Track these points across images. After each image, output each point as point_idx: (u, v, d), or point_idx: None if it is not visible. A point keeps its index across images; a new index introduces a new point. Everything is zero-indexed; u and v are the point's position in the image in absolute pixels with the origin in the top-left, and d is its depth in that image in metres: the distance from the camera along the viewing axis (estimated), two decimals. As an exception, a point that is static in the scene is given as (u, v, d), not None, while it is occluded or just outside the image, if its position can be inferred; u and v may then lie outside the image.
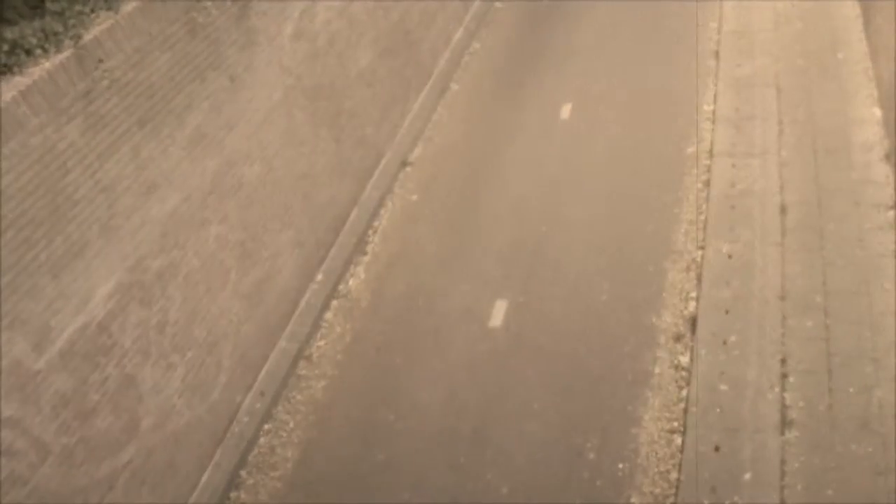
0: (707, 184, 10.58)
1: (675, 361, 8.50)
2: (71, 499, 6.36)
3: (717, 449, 7.50)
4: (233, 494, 8.10)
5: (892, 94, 10.14)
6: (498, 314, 9.41)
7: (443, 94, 13.54)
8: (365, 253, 10.68)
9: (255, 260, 8.79)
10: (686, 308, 9.03)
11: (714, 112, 11.86)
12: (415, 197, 11.51)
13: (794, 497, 7.00)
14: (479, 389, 8.62)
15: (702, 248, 9.66)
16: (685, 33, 14.00)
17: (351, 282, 10.28)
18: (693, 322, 8.80)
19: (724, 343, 8.43)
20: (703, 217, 10.09)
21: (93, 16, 6.60)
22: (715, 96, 12.18)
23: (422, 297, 9.86)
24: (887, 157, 10.14)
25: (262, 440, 8.57)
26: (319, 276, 10.06)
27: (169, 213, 7.39)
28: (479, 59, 14.45)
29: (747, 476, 7.25)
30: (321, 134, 10.02)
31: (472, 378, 8.74)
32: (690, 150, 11.33)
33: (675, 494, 7.32)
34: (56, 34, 6.26)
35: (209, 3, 7.74)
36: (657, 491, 7.42)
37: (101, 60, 6.45)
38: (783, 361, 8.12)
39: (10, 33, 6.11)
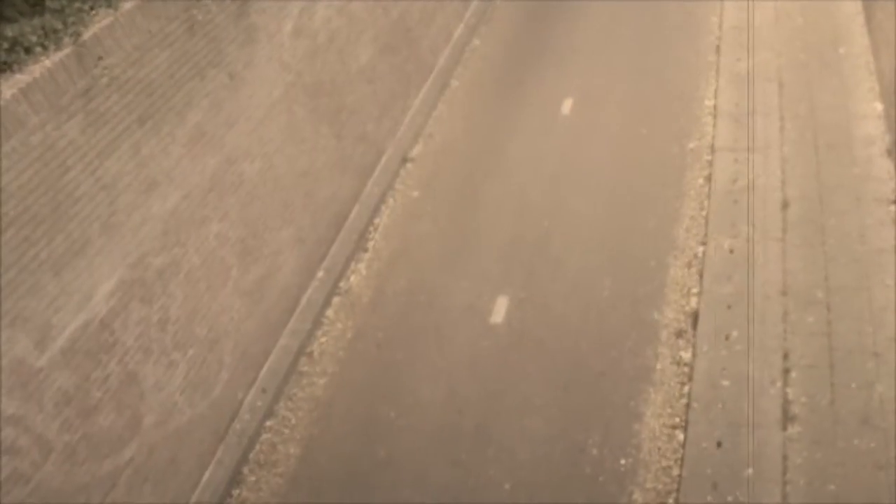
0: (708, 179, 10.57)
1: (677, 357, 8.49)
2: (73, 496, 6.36)
3: (719, 444, 7.50)
4: (235, 491, 8.11)
5: (894, 89, 10.12)
6: (499, 310, 9.41)
7: (443, 91, 13.52)
8: (366, 250, 10.68)
9: (256, 257, 8.79)
10: (688, 304, 9.02)
11: (715, 107, 11.85)
12: (416, 193, 11.49)
13: (797, 492, 7.00)
14: (481, 386, 8.61)
15: (703, 243, 9.65)
16: (686, 28, 13.98)
17: (352, 278, 10.28)
18: (695, 317, 8.79)
19: (726, 338, 8.43)
20: (704, 212, 10.08)
21: (92, 13, 6.60)
22: (716, 91, 12.17)
23: (423, 294, 9.85)
24: (888, 152, 10.13)
25: (263, 437, 8.57)
26: (320, 273, 10.06)
27: (170, 211, 7.39)
28: (480, 55, 14.43)
29: (749, 471, 7.24)
30: (322, 131, 10.01)
31: (474, 374, 8.74)
32: (692, 145, 11.32)
33: (678, 490, 7.31)
34: (56, 32, 6.26)
35: (209, 1, 7.73)
36: (659, 486, 7.42)
37: (100, 58, 6.45)
38: (785, 357, 8.11)
39: (10, 31, 6.10)
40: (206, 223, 7.92)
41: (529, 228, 10.45)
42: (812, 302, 8.59)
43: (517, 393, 8.45)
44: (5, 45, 5.96)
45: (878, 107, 10.94)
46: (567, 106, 12.63)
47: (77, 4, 6.56)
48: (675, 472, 7.48)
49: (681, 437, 7.73)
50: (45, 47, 6.15)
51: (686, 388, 8.13)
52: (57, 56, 6.13)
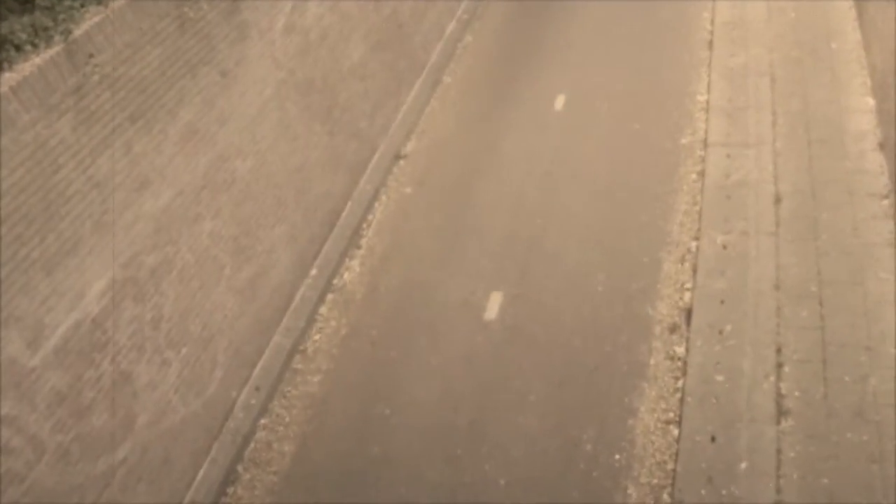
0: (701, 174, 10.58)
1: (671, 352, 8.51)
2: (67, 496, 6.34)
3: (713, 439, 7.52)
4: (229, 490, 8.09)
5: (885, 84, 10.15)
6: (493, 307, 9.41)
7: (436, 87, 13.50)
8: (359, 247, 10.66)
9: (249, 255, 8.76)
10: (681, 299, 9.03)
11: (708, 102, 11.86)
12: (409, 190, 11.48)
13: (790, 486, 7.03)
14: (475, 382, 8.62)
15: (697, 238, 9.67)
16: (679, 24, 14.00)
17: (346, 276, 10.27)
18: (688, 313, 8.81)
19: (720, 333, 8.44)
20: (697, 208, 10.09)
21: (82, 10, 6.56)
22: (709, 86, 12.18)
23: (417, 291, 9.85)
24: (881, 146, 10.16)
25: (258, 435, 8.55)
26: (314, 271, 10.04)
27: (162, 209, 7.37)
28: (472, 51, 14.42)
29: (743, 465, 7.26)
30: (314, 128, 9.99)
31: (468, 371, 8.74)
32: (685, 140, 11.33)
33: (672, 485, 7.33)
34: (46, 29, 6.22)
35: (200, -2, 7.71)
36: (654, 481, 7.44)
37: (91, 55, 6.42)
38: (778, 351, 8.13)
39: (0, 29, 6.06)
40: (198, 221, 7.90)
41: (523, 224, 10.45)
42: (805, 296, 8.61)
43: (511, 389, 8.46)
44: (-5, 43, 5.93)
45: (870, 101, 10.97)
46: (560, 102, 12.63)
47: (67, 2, 6.52)
48: (670, 466, 7.50)
49: (675, 431, 7.75)
50: (35, 45, 6.12)
51: (680, 383, 8.14)
52: (47, 54, 6.09)
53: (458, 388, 8.59)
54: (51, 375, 6.17)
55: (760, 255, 9.19)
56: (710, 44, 13.16)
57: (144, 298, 7.18)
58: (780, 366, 7.99)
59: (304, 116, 9.76)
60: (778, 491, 7.02)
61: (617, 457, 7.69)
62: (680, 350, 8.48)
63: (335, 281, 10.17)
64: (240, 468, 8.26)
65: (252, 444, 8.47)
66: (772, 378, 7.90)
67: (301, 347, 9.38)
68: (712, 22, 13.72)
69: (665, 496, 7.30)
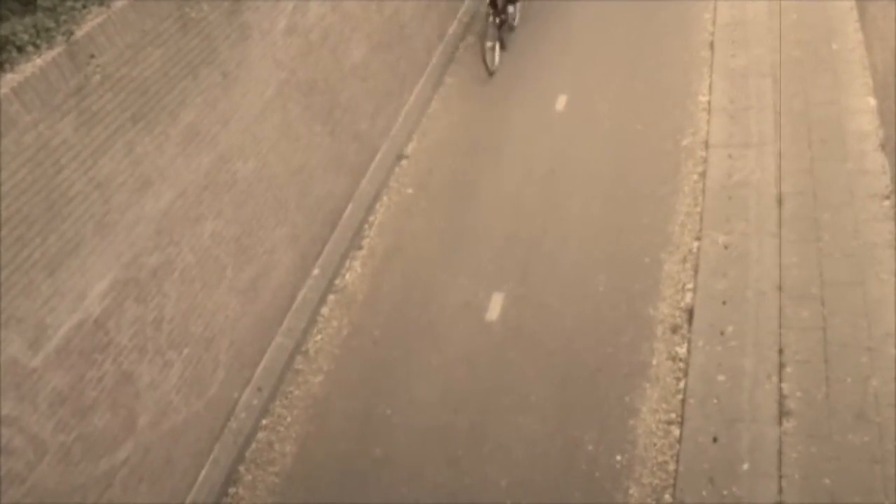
0: (703, 175, 10.58)
1: (673, 352, 8.51)
2: (69, 497, 6.35)
3: (715, 440, 7.52)
4: (231, 490, 8.11)
5: (887, 84, 10.14)
6: (495, 307, 9.41)
7: (437, 88, 13.51)
8: (361, 247, 10.67)
9: (251, 255, 8.77)
10: (683, 299, 9.04)
11: (709, 103, 11.86)
12: (410, 191, 11.49)
13: (792, 486, 7.03)
14: (477, 383, 8.62)
15: (698, 239, 9.67)
16: (680, 25, 13.99)
17: (347, 276, 10.28)
18: (690, 313, 8.81)
19: (722, 334, 8.45)
20: (699, 208, 10.09)
21: (84, 11, 6.56)
22: (710, 87, 12.18)
23: (418, 291, 9.85)
24: (882, 146, 10.15)
25: (259, 436, 8.56)
26: (316, 271, 10.05)
27: (164, 210, 7.37)
28: (474, 52, 14.40)
29: (745, 466, 7.27)
30: (316, 129, 9.99)
31: (470, 372, 8.75)
32: (686, 141, 11.33)
33: (674, 485, 7.33)
34: (48, 30, 6.22)
35: (202, -2, 7.71)
36: (656, 482, 7.44)
37: (93, 56, 6.42)
38: (780, 352, 8.13)
39: (1, 30, 6.07)
40: (200, 222, 7.90)
41: (524, 225, 10.45)
42: (806, 297, 8.61)
43: (513, 390, 8.46)
44: (-3, 44, 5.93)
45: (872, 102, 10.96)
46: (561, 102, 12.63)
47: (69, 3, 6.52)
48: (672, 467, 7.50)
49: (676, 432, 7.75)
50: (37, 46, 6.12)
51: (682, 384, 8.14)
52: (49, 55, 6.09)
53: (459, 388, 8.60)
54: (52, 376, 6.18)
55: (762, 256, 9.19)
56: (712, 44, 13.15)
57: (146, 299, 7.18)
58: (781, 366, 7.99)
59: (305, 117, 9.77)
60: (779, 491, 7.02)
61: (618, 457, 7.69)
62: (681, 350, 8.48)
63: (337, 281, 10.17)
64: (241, 468, 8.27)
65: (253, 445, 8.49)
66: (773, 378, 7.90)
67: (303, 348, 9.40)
68: (713, 22, 13.71)
69: (667, 496, 7.31)
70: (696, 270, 9.26)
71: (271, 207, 9.11)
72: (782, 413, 7.58)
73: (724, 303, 8.76)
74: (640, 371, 8.39)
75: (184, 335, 7.70)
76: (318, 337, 9.53)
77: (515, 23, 14.42)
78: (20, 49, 6.02)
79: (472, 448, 7.99)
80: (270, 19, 8.96)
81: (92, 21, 6.50)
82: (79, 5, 6.55)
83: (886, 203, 9.41)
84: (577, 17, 14.84)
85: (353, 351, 9.30)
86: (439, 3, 14.10)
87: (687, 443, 7.56)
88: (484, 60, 13.27)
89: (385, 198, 11.42)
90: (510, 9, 14.07)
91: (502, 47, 13.79)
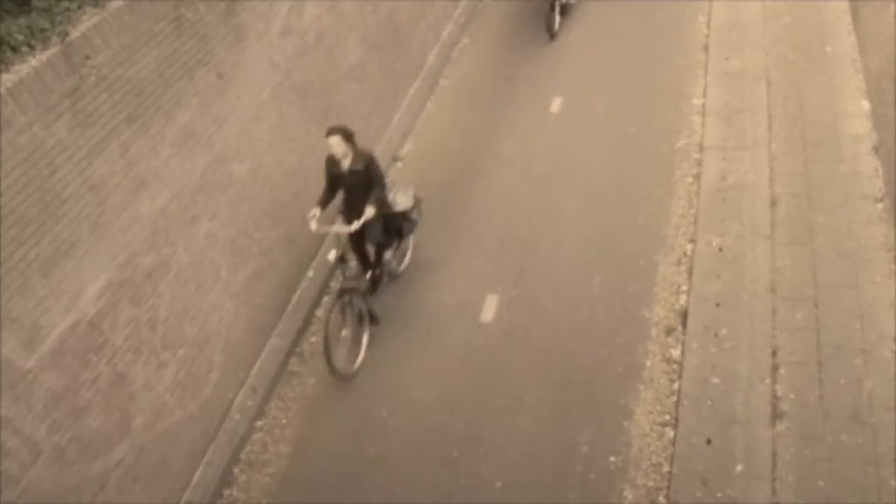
0: (697, 177, 10.61)
1: (667, 354, 8.53)
2: (64, 497, 6.33)
3: (708, 441, 7.53)
4: (226, 491, 8.09)
5: (880, 88, 10.19)
6: (489, 309, 9.42)
7: (433, 90, 13.52)
8: (356, 249, 10.65)
9: (246, 257, 8.76)
10: (677, 301, 9.05)
11: (704, 105, 11.90)
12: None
13: (786, 488, 7.04)
14: (472, 384, 8.62)
15: (693, 241, 9.69)
16: (674, 27, 14.04)
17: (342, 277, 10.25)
18: (684, 315, 8.83)
19: (716, 336, 8.47)
20: (693, 211, 10.12)
21: (79, 12, 6.55)
22: (705, 90, 12.22)
23: (413, 293, 9.85)
24: (875, 149, 10.19)
25: (254, 437, 8.55)
26: (310, 273, 10.05)
27: (159, 211, 7.36)
28: (469, 54, 14.44)
29: (739, 468, 7.28)
30: (311, 130, 9.99)
31: (465, 373, 8.75)
32: (680, 143, 11.36)
33: (668, 487, 7.34)
34: (43, 31, 6.21)
35: (197, 0, 7.70)
36: (650, 484, 7.45)
37: (88, 57, 6.41)
38: (774, 354, 8.16)
39: (-4, 30, 6.07)
40: (195, 223, 7.90)
41: (519, 227, 10.46)
42: (800, 299, 8.64)
43: (508, 391, 8.47)
44: (-8, 45, 5.92)
45: (865, 105, 11.00)
46: (556, 105, 12.66)
47: (64, 3, 6.51)
48: (666, 469, 7.51)
49: (671, 434, 7.76)
50: (31, 46, 6.11)
51: (676, 386, 8.16)
52: (44, 55, 6.08)
53: (454, 389, 8.60)
54: (47, 377, 6.16)
55: (756, 258, 9.22)
56: (706, 47, 13.20)
57: (141, 300, 7.17)
58: (775, 368, 8.01)
59: (301, 118, 9.77)
60: (773, 493, 7.03)
61: (613, 459, 7.70)
62: (676, 353, 8.50)
63: (332, 283, 10.16)
64: (236, 470, 8.26)
65: (248, 446, 8.47)
66: (767, 380, 7.92)
67: (298, 349, 9.39)
68: (708, 25, 13.76)
69: (661, 498, 7.32)
70: (690, 272, 9.28)
71: (266, 209, 9.11)
72: (776, 415, 7.60)
73: (718, 305, 8.78)
74: (635, 373, 8.41)
75: (178, 336, 7.69)
76: (313, 338, 9.52)
77: (398, 269, 10.03)
78: (15, 49, 6.01)
79: (468, 449, 8.00)
80: (266, 20, 8.96)
81: (87, 22, 6.50)
82: (74, 6, 6.54)
83: (880, 206, 9.44)
84: (572, 20, 14.87)
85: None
86: (435, 4, 14.11)
87: (681, 444, 7.57)
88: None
89: (380, 199, 11.40)
90: (386, 254, 9.53)
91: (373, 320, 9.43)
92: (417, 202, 9.53)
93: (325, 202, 8.81)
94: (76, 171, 6.38)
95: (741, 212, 9.85)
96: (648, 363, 8.48)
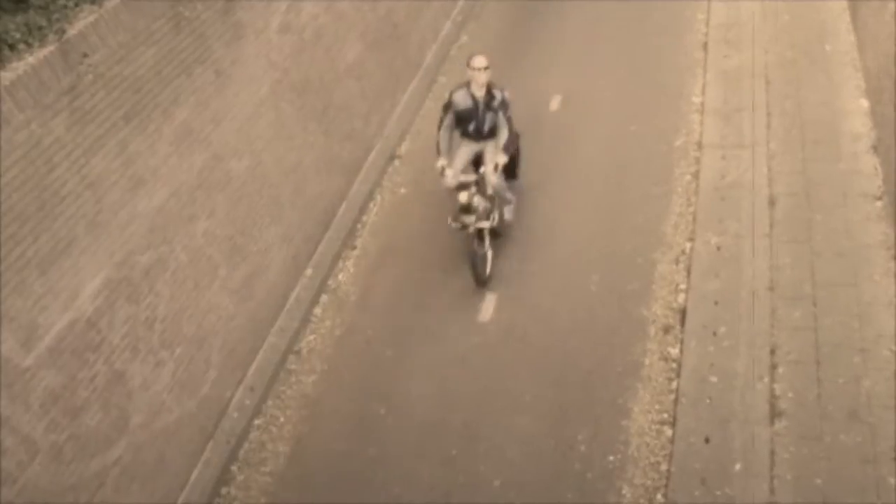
0: (696, 175, 10.60)
1: (665, 353, 8.52)
2: (61, 496, 6.33)
3: (707, 440, 7.53)
4: (223, 490, 8.08)
5: (879, 86, 10.18)
6: (488, 308, 9.41)
7: (431, 88, 13.51)
8: (354, 247, 10.66)
9: (244, 255, 8.75)
10: (675, 300, 9.05)
11: (703, 104, 11.88)
12: (403, 190, 11.48)
13: (784, 486, 7.04)
14: (470, 383, 8.62)
15: (691, 239, 9.68)
16: (673, 26, 14.02)
17: (340, 276, 10.26)
18: (682, 313, 8.82)
19: (714, 334, 8.46)
20: (692, 209, 10.11)
21: (76, 10, 6.54)
22: (703, 88, 12.21)
23: (412, 291, 9.84)
24: (874, 148, 10.19)
25: (252, 435, 8.54)
26: (309, 271, 10.04)
27: (156, 209, 7.35)
28: (468, 51, 14.36)
29: (737, 467, 7.28)
30: (309, 128, 9.98)
31: (463, 372, 8.74)
32: (679, 141, 11.35)
33: (666, 486, 7.34)
34: (40, 28, 6.20)
35: (195, -3, 7.69)
36: (648, 482, 7.45)
37: (85, 55, 6.40)
38: (772, 352, 8.15)
39: (-7, 28, 6.05)
40: (193, 221, 7.88)
41: (516, 225, 10.43)
42: (799, 298, 8.63)
43: (506, 390, 8.46)
44: (-11, 43, 5.91)
45: (864, 103, 11.00)
46: (555, 103, 12.64)
47: (61, 1, 6.50)
48: (664, 467, 7.51)
49: (669, 432, 7.76)
50: (29, 44, 6.10)
51: (674, 384, 8.16)
52: (41, 53, 6.08)
53: (452, 388, 8.59)
54: (44, 375, 6.15)
55: (754, 257, 9.21)
56: (705, 45, 13.19)
57: (139, 298, 7.16)
58: (773, 367, 8.01)
59: (299, 116, 9.76)
60: (771, 492, 7.03)
61: (611, 458, 7.69)
62: (674, 351, 8.50)
63: (330, 281, 10.16)
64: (234, 468, 8.25)
65: (246, 445, 8.46)
66: (766, 379, 7.92)
67: (295, 348, 9.38)
68: (707, 23, 13.74)
69: (659, 497, 7.31)
70: (688, 271, 9.27)
71: (265, 207, 9.10)
72: (774, 413, 7.60)
73: (716, 303, 8.77)
74: (633, 371, 8.40)
75: (176, 335, 7.68)
76: (311, 337, 9.52)
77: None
78: (12, 47, 6.00)
79: (466, 448, 7.99)
80: (264, 18, 8.95)
81: (84, 20, 6.49)
82: (71, 4, 6.53)
83: (878, 204, 9.44)
84: (571, 19, 14.86)
85: (346, 350, 9.29)
86: (433, 2, 14.09)
87: (679, 443, 7.57)
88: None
89: (378, 197, 11.41)
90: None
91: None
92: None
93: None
94: (74, 169, 6.37)
95: (740, 210, 9.84)
96: (647, 362, 8.48)
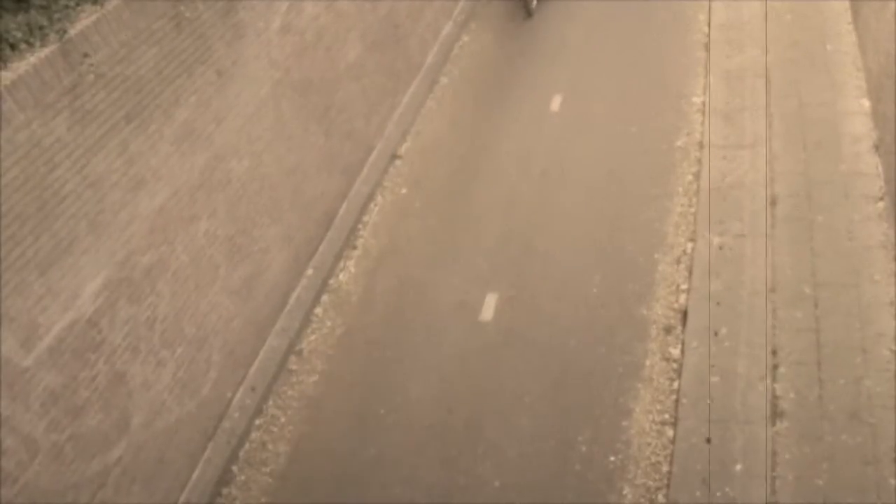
0: (697, 176, 10.59)
1: (666, 353, 8.51)
2: (61, 496, 6.32)
3: (708, 440, 7.53)
4: (224, 490, 8.08)
5: (880, 86, 10.17)
6: (489, 308, 9.40)
7: (432, 88, 13.50)
8: (355, 247, 10.65)
9: (245, 255, 8.75)
10: (677, 300, 9.04)
11: (704, 104, 11.88)
12: (404, 191, 11.48)
13: (785, 487, 7.04)
14: (471, 383, 8.61)
15: (692, 240, 9.68)
16: (675, 26, 14.01)
17: (341, 276, 10.26)
18: (684, 314, 8.81)
19: (715, 335, 8.45)
20: (693, 209, 10.10)
21: (78, 10, 6.54)
22: (705, 88, 12.20)
23: (412, 291, 9.84)
24: (875, 148, 10.18)
25: (253, 436, 8.54)
26: (309, 271, 10.03)
27: (157, 209, 7.35)
28: (468, 52, 14.41)
29: (738, 467, 7.27)
30: (310, 128, 9.98)
31: (464, 372, 8.74)
32: (681, 142, 11.34)
33: (667, 486, 7.34)
34: (41, 28, 6.20)
35: (196, -3, 7.69)
36: (649, 483, 7.44)
37: (86, 55, 6.40)
38: (773, 353, 8.14)
39: (-6, 27, 6.05)
40: (194, 221, 7.88)
41: (518, 225, 10.45)
42: (800, 298, 8.62)
43: (507, 390, 8.45)
44: (-10, 42, 5.91)
45: (866, 103, 10.99)
46: (556, 103, 12.64)
47: (63, 1, 6.50)
48: (665, 468, 7.50)
49: (670, 433, 7.75)
50: (30, 44, 6.10)
51: (675, 385, 8.15)
52: (43, 52, 6.08)
53: (453, 388, 8.59)
54: (45, 375, 6.15)
55: (756, 257, 9.20)
56: (707, 45, 13.18)
57: (139, 298, 7.16)
58: (774, 367, 8.01)
59: (300, 116, 9.75)
60: (773, 492, 7.03)
61: (612, 458, 7.69)
62: (675, 351, 8.49)
63: (331, 281, 10.16)
64: (234, 468, 8.25)
65: (247, 445, 8.46)
66: (767, 379, 7.91)
67: (296, 348, 9.37)
68: (708, 24, 13.73)
69: (660, 497, 7.31)
70: (690, 271, 9.26)
71: (265, 207, 9.09)
72: (775, 414, 7.59)
73: (717, 304, 8.77)
74: (634, 372, 8.40)
75: (177, 335, 7.68)
76: (312, 337, 9.51)
77: None
78: (13, 47, 6.00)
79: (467, 448, 7.98)
80: (265, 19, 8.94)
81: (85, 20, 6.49)
82: (72, 3, 6.54)
83: (880, 204, 9.43)
84: (573, 19, 14.84)
85: (346, 351, 9.28)
86: (434, 2, 14.08)
87: (680, 443, 7.56)
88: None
89: (379, 197, 11.41)
90: None
91: None
92: None
93: None
94: (75, 169, 6.37)
95: (741, 210, 9.83)
96: (648, 362, 8.47)
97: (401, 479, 7.84)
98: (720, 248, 9.43)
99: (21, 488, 5.94)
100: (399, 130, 12.38)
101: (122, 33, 6.79)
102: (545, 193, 10.89)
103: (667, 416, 7.92)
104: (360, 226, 10.93)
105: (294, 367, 9.20)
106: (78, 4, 6.57)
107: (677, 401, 7.96)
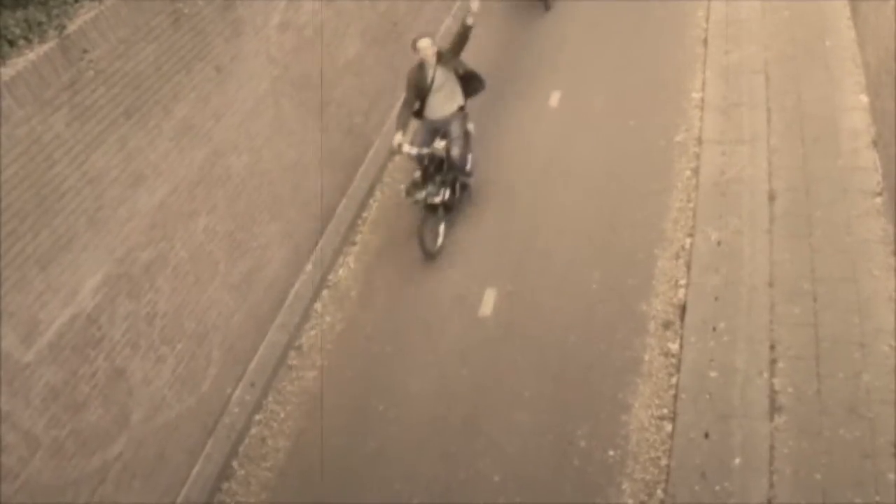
0: (696, 171, 10.60)
1: (665, 348, 8.53)
2: (62, 492, 6.34)
3: (706, 435, 7.54)
4: (224, 485, 8.10)
5: (879, 82, 10.18)
6: (488, 303, 9.42)
7: (431, 84, 13.47)
8: (354, 243, 10.67)
9: (244, 251, 8.76)
10: (675, 295, 9.05)
11: (702, 99, 11.88)
12: (404, 186, 11.46)
13: (783, 481, 7.05)
14: (470, 378, 8.63)
15: (691, 235, 9.69)
16: (673, 22, 14.01)
17: (341, 272, 10.27)
18: (682, 309, 8.83)
19: (714, 330, 8.47)
20: (692, 205, 10.11)
21: (76, 6, 6.55)
22: (703, 84, 12.20)
23: (411, 286, 9.86)
24: (874, 143, 10.18)
25: (253, 431, 8.56)
26: (309, 267, 10.05)
27: (157, 205, 7.36)
28: (467, 48, 14.36)
29: (737, 462, 7.29)
30: (309, 124, 9.98)
31: (463, 367, 8.75)
32: (679, 137, 11.34)
33: (666, 480, 7.35)
34: (40, 24, 6.21)
35: (195, -7, 7.70)
36: (648, 477, 7.46)
37: (85, 51, 6.40)
38: (772, 348, 8.16)
39: (-7, 24, 6.05)
40: (193, 217, 7.89)
41: (517, 221, 10.46)
42: (798, 293, 8.64)
43: (506, 385, 8.47)
44: (-11, 38, 5.91)
45: (864, 99, 10.99)
46: (555, 98, 12.64)
47: (61, -3, 6.51)
48: (664, 462, 7.52)
49: (669, 427, 7.77)
50: (29, 40, 6.10)
51: (674, 380, 8.16)
52: (41, 49, 6.08)
53: (452, 384, 8.60)
54: (45, 371, 6.17)
55: (754, 252, 9.21)
56: (705, 41, 13.17)
57: (139, 294, 7.17)
58: (773, 362, 8.02)
59: (299, 112, 9.76)
60: (771, 486, 7.04)
61: (611, 453, 7.71)
62: (674, 346, 8.50)
63: (330, 277, 10.17)
64: (234, 464, 8.27)
65: (247, 440, 8.48)
66: (765, 374, 7.92)
67: (296, 343, 9.39)
68: (707, 19, 13.72)
69: (659, 492, 7.32)
70: (688, 266, 9.27)
71: (265, 202, 9.11)
72: (774, 409, 7.61)
73: (716, 299, 8.78)
74: (633, 367, 8.41)
75: (177, 330, 7.69)
76: (312, 332, 9.53)
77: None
78: (12, 43, 6.00)
79: (466, 443, 8.00)
80: (264, 15, 8.95)
81: (84, 15, 6.49)
82: (71, 0, 6.53)
83: (878, 200, 9.44)
84: (571, 15, 14.84)
85: (346, 346, 9.30)
86: (433, 0, 14.09)
87: (679, 438, 7.58)
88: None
89: (378, 193, 11.42)
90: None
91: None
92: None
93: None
94: (74, 165, 6.38)
95: (740, 206, 9.84)
96: (646, 357, 8.48)
97: (400, 474, 7.87)
98: (719, 243, 9.44)
99: (22, 484, 5.96)
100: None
101: (121, 30, 6.80)
102: (544, 189, 10.90)
103: (665, 410, 7.94)
104: (359, 221, 10.95)
105: (294, 362, 9.22)
106: (76, 1, 6.58)
107: (676, 396, 7.98)
